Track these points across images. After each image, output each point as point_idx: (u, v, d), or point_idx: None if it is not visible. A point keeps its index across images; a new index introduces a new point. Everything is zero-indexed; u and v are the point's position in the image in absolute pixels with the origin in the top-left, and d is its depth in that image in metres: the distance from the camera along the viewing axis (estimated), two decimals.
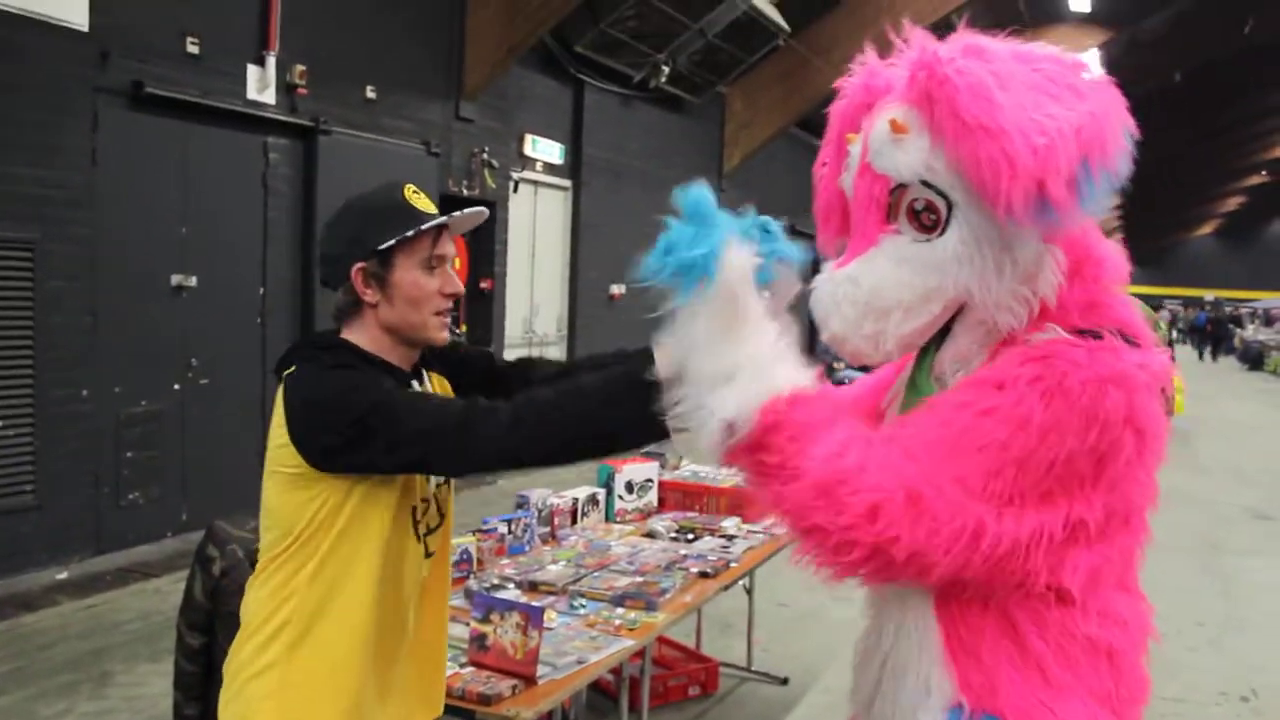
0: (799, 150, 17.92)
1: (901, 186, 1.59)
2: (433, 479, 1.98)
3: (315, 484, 1.80)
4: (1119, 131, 1.48)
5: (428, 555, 1.99)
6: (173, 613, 3.84)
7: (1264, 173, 42.89)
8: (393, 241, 1.82)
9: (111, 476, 6.57)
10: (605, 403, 1.69)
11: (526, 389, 1.90)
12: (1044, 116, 1.43)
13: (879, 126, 1.60)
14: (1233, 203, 52.47)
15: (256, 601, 1.88)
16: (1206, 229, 58.56)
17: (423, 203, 1.88)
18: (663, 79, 12.26)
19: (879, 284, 1.58)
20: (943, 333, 1.65)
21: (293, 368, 1.85)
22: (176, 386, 6.97)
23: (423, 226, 1.83)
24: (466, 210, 1.93)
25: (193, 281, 7.01)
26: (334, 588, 1.83)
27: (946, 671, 1.59)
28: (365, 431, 1.73)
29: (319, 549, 1.82)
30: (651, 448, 4.79)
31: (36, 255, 6.01)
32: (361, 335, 1.89)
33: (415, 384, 1.94)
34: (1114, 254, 1.67)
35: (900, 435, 1.53)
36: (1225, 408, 17.18)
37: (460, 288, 1.92)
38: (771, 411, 1.46)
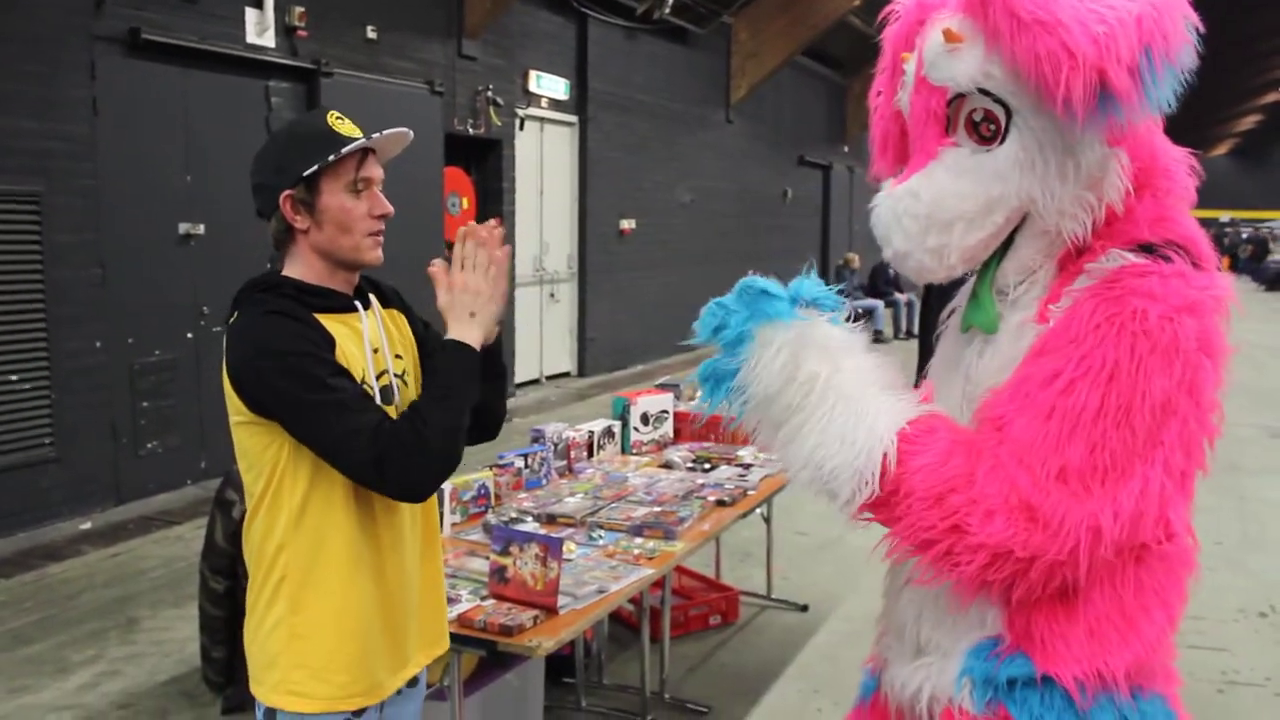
0: (806, 80, 17.72)
1: (959, 97, 1.55)
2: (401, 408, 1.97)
3: (269, 428, 1.82)
4: (1181, 22, 1.43)
5: None
6: (196, 559, 3.89)
7: None
8: (316, 167, 1.83)
9: (129, 427, 6.61)
10: (466, 397, 1.84)
11: None
12: (1103, 7, 1.39)
13: (933, 37, 1.57)
14: (1249, 121, 51.67)
15: (252, 552, 1.91)
16: (1222, 149, 57.71)
17: (346, 128, 1.88)
18: (666, 10, 12.07)
19: (940, 196, 1.55)
20: (1005, 244, 1.61)
21: (235, 315, 1.87)
22: (189, 335, 6.98)
23: (344, 150, 1.84)
24: (389, 130, 1.92)
25: (200, 229, 7.00)
26: (321, 533, 1.85)
27: (1001, 610, 1.58)
28: (301, 411, 1.77)
29: (296, 490, 1.83)
30: (666, 379, 4.80)
31: (43, 208, 6.00)
32: (299, 263, 1.91)
33: (359, 306, 1.94)
34: (1182, 168, 1.63)
35: (1003, 432, 1.51)
36: (1242, 329, 17.03)
37: (389, 208, 1.93)
38: (869, 492, 1.51)
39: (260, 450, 1.84)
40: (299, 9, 7.58)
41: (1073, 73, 1.38)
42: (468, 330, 1.85)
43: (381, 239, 1.93)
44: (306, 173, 1.83)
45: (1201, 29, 1.47)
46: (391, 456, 1.74)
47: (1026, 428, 1.48)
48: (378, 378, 1.92)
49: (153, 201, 6.72)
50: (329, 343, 1.83)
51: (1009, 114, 1.52)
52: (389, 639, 1.94)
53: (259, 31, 7.36)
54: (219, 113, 7.11)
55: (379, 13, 8.46)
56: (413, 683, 2.09)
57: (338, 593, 1.86)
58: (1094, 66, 1.37)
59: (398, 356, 2.00)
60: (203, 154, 6.99)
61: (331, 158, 1.83)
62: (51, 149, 6.05)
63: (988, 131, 1.55)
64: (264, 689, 1.90)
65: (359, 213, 1.88)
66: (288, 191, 1.84)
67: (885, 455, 1.49)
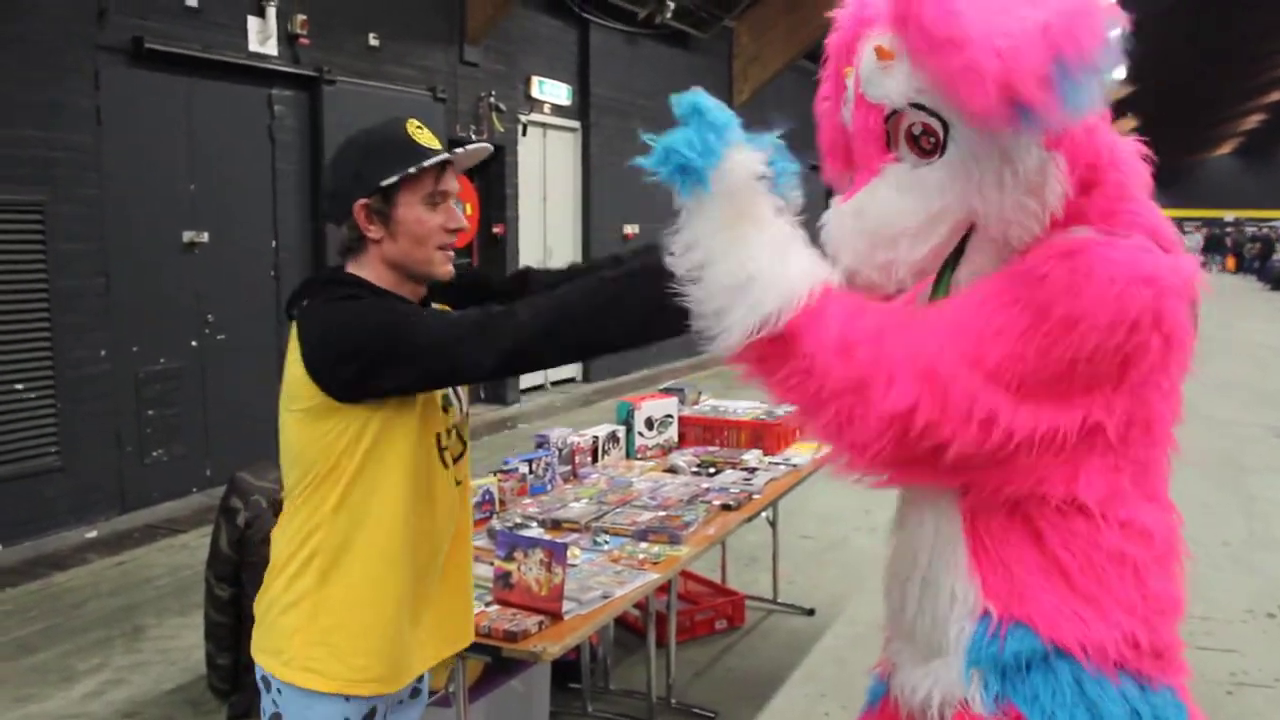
0: (809, 83, 17.66)
1: (896, 113, 1.57)
2: (455, 406, 1.97)
3: (333, 415, 1.79)
4: (1098, 24, 1.40)
5: (457, 483, 2.00)
6: (202, 567, 3.89)
7: None
8: (395, 178, 1.80)
9: (134, 435, 6.61)
10: (624, 292, 1.67)
11: (526, 290, 1.96)
12: (1012, 20, 1.38)
13: (867, 55, 1.59)
14: (1252, 121, 51.60)
15: (283, 538, 1.89)
16: (1226, 148, 57.62)
17: (426, 138, 1.86)
18: (668, 14, 12.08)
19: (883, 213, 1.57)
20: (957, 254, 1.61)
21: (304, 303, 1.84)
22: (194, 343, 6.99)
23: (426, 163, 1.81)
24: (470, 146, 1.91)
25: (204, 238, 7.00)
26: (360, 516, 1.83)
27: (971, 581, 1.59)
28: (383, 353, 1.73)
29: (341, 480, 1.82)
30: (671, 383, 4.79)
31: (46, 217, 6.00)
32: (367, 271, 1.88)
33: None
34: (1133, 157, 1.62)
35: (921, 314, 1.52)
36: (1247, 328, 17.03)
37: (464, 223, 1.91)
38: (793, 314, 1.48)
39: (317, 438, 1.81)
40: (301, 17, 7.59)
41: (980, 89, 1.37)
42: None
43: (453, 254, 1.91)
44: (385, 183, 1.80)
45: (1128, 28, 1.44)
46: (495, 321, 1.70)
47: (947, 316, 1.50)
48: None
49: (157, 210, 6.73)
50: None
51: (945, 126, 1.53)
52: (410, 632, 1.94)
53: (261, 40, 7.37)
54: (222, 121, 7.12)
55: (381, 20, 8.47)
56: (415, 693, 2.08)
57: (368, 578, 1.85)
58: (999, 81, 1.36)
59: None
60: (206, 162, 7.00)
61: (412, 169, 1.81)
62: (56, 158, 6.06)
63: (928, 144, 1.56)
64: (276, 662, 1.88)
65: (434, 225, 1.85)
66: (363, 200, 1.82)
67: (826, 281, 1.51)
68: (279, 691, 1.89)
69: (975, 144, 1.50)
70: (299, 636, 1.86)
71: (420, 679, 2.09)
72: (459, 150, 1.88)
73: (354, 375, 1.75)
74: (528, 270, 2.15)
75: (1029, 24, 1.37)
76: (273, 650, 1.89)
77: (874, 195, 1.58)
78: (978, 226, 1.57)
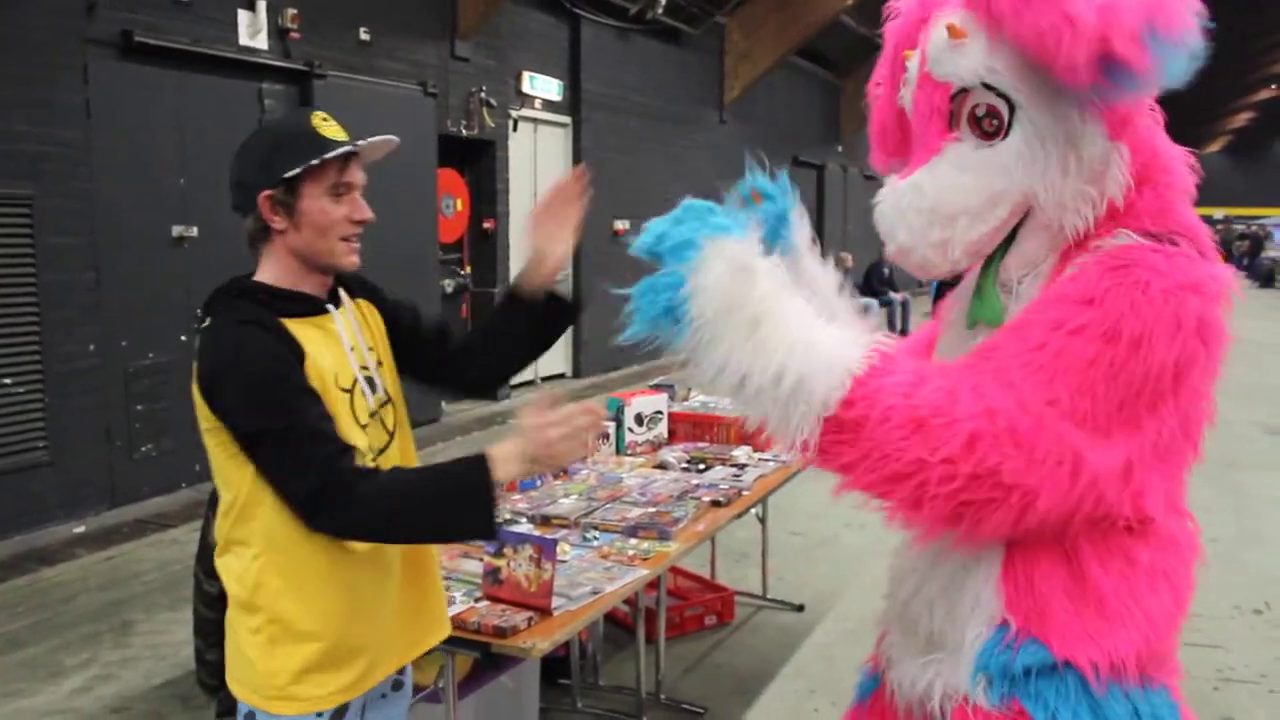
0: (799, 79, 17.72)
1: (963, 92, 1.57)
2: (380, 392, 1.96)
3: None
4: (1183, 5, 1.41)
5: None
6: (191, 562, 3.87)
7: (1274, 86, 42.13)
8: (298, 170, 1.81)
9: (123, 430, 6.60)
10: (443, 511, 1.79)
11: (445, 353, 2.11)
12: None
13: (937, 33, 1.58)
14: (1242, 119, 51.71)
15: (227, 572, 1.89)
16: (1215, 146, 57.74)
17: (331, 130, 1.86)
18: (659, 10, 12.07)
19: (943, 190, 1.56)
20: (1009, 238, 1.62)
21: (208, 320, 1.85)
22: (183, 338, 6.96)
23: (328, 155, 1.82)
24: (375, 138, 1.91)
25: (194, 232, 6.99)
26: (293, 538, 1.82)
27: (997, 591, 1.58)
28: (267, 433, 1.76)
29: (267, 498, 1.81)
30: (661, 379, 4.79)
31: (35, 211, 5.98)
32: (274, 263, 1.89)
33: (331, 307, 1.92)
34: (1182, 162, 1.65)
35: (991, 358, 1.50)
36: (1239, 326, 17.05)
37: (369, 214, 1.90)
38: (847, 393, 1.43)
39: (229, 457, 1.82)
40: (291, 11, 7.57)
41: (1075, 41, 1.37)
42: (509, 464, 1.76)
43: (358, 244, 1.92)
44: (288, 174, 1.81)
45: (1208, 19, 1.45)
46: (330, 496, 1.73)
47: (1017, 354, 1.47)
48: (362, 369, 1.92)
49: (146, 204, 6.71)
50: (299, 356, 1.81)
51: (1012, 109, 1.54)
52: (371, 638, 1.93)
53: (252, 34, 7.35)
54: (212, 115, 7.09)
55: (372, 14, 8.45)
56: (398, 686, 2.08)
57: (312, 604, 1.85)
58: (1097, 34, 1.36)
59: (370, 349, 1.99)
60: (196, 157, 6.98)
61: (315, 161, 1.81)
62: (45, 152, 6.04)
63: (990, 126, 1.56)
64: (245, 690, 1.91)
65: (337, 217, 1.86)
66: (267, 191, 1.82)
67: (875, 353, 1.45)
68: (249, 714, 1.92)
69: (1043, 127, 1.52)
70: (260, 665, 1.87)
71: (401, 671, 2.09)
72: (362, 142, 1.88)
73: (230, 414, 1.78)
74: (446, 328, 2.17)
75: None
76: (241, 679, 1.91)
77: (934, 173, 1.58)
78: (1033, 212, 1.58)
